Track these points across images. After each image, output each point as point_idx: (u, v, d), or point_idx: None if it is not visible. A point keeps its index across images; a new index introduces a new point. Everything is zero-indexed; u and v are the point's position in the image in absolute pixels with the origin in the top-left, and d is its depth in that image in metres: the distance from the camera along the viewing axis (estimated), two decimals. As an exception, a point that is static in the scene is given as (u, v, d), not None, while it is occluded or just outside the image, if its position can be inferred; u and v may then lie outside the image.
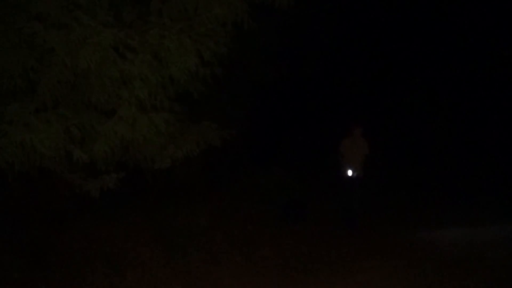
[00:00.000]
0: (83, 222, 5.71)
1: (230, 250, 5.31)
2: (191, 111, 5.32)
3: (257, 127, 9.06)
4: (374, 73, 10.41)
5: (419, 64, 10.24)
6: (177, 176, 6.60)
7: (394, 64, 10.28)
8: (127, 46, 4.23)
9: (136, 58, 4.23)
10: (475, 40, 9.60)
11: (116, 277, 4.50)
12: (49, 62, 4.20)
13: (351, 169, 6.74)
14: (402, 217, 7.14)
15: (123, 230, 5.67)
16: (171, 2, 4.51)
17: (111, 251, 4.97)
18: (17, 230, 5.26)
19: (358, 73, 10.31)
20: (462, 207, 7.49)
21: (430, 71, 10.29)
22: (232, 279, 4.59)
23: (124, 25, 4.37)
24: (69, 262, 4.73)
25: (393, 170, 8.83)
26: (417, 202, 8.07)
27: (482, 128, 9.81)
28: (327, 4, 8.50)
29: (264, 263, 5.02)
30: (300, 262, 5.09)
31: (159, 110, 4.61)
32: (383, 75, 10.39)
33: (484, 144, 9.73)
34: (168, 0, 4.52)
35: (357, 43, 10.01)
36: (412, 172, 9.44)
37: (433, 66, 10.24)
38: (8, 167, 4.34)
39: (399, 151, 9.90)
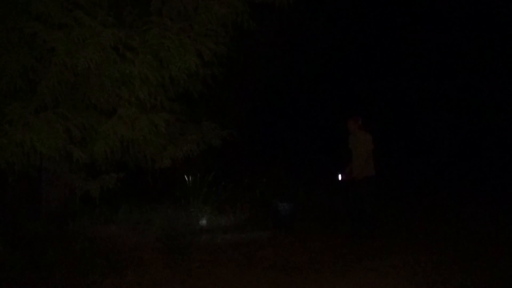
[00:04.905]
0: (83, 222, 5.71)
1: (230, 250, 5.31)
2: (191, 111, 5.32)
3: (257, 127, 9.06)
4: (375, 71, 10.41)
5: (419, 62, 10.25)
6: (177, 176, 6.61)
7: (394, 63, 10.29)
8: (127, 46, 4.24)
9: (136, 58, 4.24)
10: (476, 38, 9.61)
11: (116, 277, 4.49)
12: (49, 62, 4.21)
13: (349, 170, 6.25)
14: (402, 216, 7.12)
15: (123, 230, 5.67)
16: (171, 2, 4.52)
17: (111, 251, 4.97)
18: (17, 230, 5.26)
19: (358, 72, 10.32)
20: (465, 205, 7.47)
21: (431, 70, 10.30)
22: (232, 279, 4.58)
23: (124, 25, 4.38)
24: (69, 262, 4.72)
25: (394, 168, 8.76)
26: (418, 200, 8.05)
27: (485, 126, 9.81)
28: (327, 4, 8.51)
29: (264, 263, 5.02)
30: (301, 262, 5.08)
31: (159, 110, 4.62)
32: (383, 74, 10.40)
33: (486, 142, 9.74)
34: (168, 0, 4.53)
35: (357, 42, 10.02)
36: (413, 170, 9.45)
37: (433, 65, 10.25)
38: (8, 167, 4.35)
39: (400, 149, 9.90)
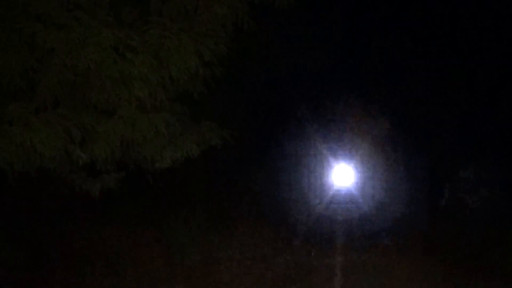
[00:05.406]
0: (83, 222, 5.71)
1: (230, 250, 5.32)
2: (191, 111, 5.32)
3: (257, 127, 9.05)
4: (375, 71, 10.39)
5: (419, 62, 10.23)
6: (177, 176, 6.60)
7: (394, 63, 10.26)
8: (127, 46, 4.23)
9: (136, 58, 4.23)
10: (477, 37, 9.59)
11: (116, 277, 4.50)
12: (49, 62, 4.20)
13: (348, 170, 6.33)
14: (402, 216, 7.11)
15: (123, 230, 5.67)
16: (171, 2, 4.51)
17: (111, 251, 4.98)
18: (17, 230, 5.26)
19: (358, 73, 10.30)
20: (464, 205, 7.45)
21: (431, 70, 10.28)
22: (232, 279, 4.59)
23: (124, 25, 4.37)
24: (69, 262, 4.73)
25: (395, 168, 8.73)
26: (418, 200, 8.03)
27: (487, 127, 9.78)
28: (327, 4, 8.51)
29: (264, 262, 5.03)
30: (301, 262, 5.09)
31: (159, 110, 4.61)
32: (384, 74, 10.38)
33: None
34: (168, 0, 4.52)
35: (357, 42, 10.00)
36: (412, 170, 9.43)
37: (434, 65, 10.23)
38: (8, 167, 4.34)
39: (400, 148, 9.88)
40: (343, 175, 6.41)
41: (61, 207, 5.90)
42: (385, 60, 10.24)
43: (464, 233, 6.09)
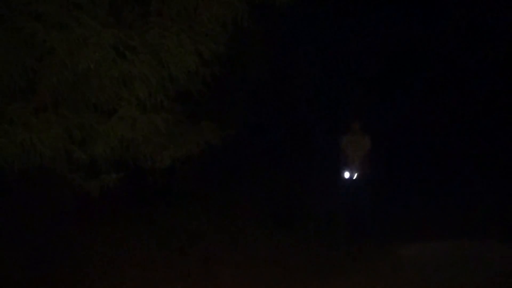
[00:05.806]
0: (83, 222, 5.71)
1: (230, 250, 5.32)
2: (191, 111, 5.32)
3: (257, 127, 9.05)
4: (377, 70, 10.38)
5: (419, 63, 10.23)
6: (177, 176, 6.61)
7: (394, 63, 10.27)
8: (127, 46, 4.24)
9: (136, 58, 4.24)
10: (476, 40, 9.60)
11: (116, 277, 4.51)
12: (49, 62, 4.20)
13: (349, 170, 6.39)
14: (400, 216, 7.11)
15: (123, 230, 5.67)
16: (171, 2, 4.52)
17: (111, 251, 4.98)
18: (17, 230, 5.26)
19: (358, 72, 10.30)
20: (463, 205, 7.40)
21: (430, 71, 10.28)
22: (232, 279, 4.59)
23: (124, 25, 4.37)
24: (69, 262, 4.73)
25: (392, 168, 8.72)
26: (416, 200, 8.02)
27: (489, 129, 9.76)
28: (327, 3, 8.51)
29: (264, 263, 5.03)
30: (301, 262, 5.09)
31: (159, 110, 4.62)
32: (383, 74, 10.38)
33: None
34: (168, 0, 4.53)
35: (358, 40, 10.00)
36: (410, 169, 9.42)
37: (432, 66, 10.23)
38: (8, 167, 4.35)
39: (398, 149, 9.88)
40: (345, 173, 6.44)
41: (61, 207, 5.90)
42: (386, 58, 10.24)
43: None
